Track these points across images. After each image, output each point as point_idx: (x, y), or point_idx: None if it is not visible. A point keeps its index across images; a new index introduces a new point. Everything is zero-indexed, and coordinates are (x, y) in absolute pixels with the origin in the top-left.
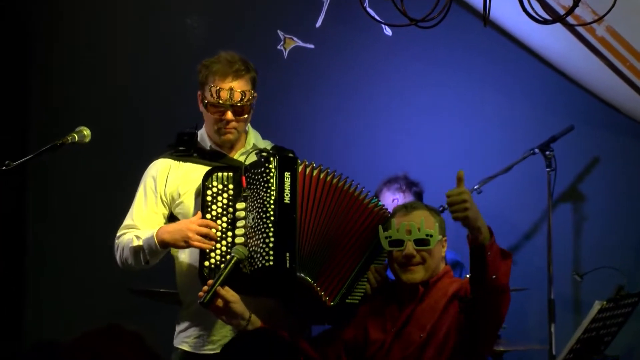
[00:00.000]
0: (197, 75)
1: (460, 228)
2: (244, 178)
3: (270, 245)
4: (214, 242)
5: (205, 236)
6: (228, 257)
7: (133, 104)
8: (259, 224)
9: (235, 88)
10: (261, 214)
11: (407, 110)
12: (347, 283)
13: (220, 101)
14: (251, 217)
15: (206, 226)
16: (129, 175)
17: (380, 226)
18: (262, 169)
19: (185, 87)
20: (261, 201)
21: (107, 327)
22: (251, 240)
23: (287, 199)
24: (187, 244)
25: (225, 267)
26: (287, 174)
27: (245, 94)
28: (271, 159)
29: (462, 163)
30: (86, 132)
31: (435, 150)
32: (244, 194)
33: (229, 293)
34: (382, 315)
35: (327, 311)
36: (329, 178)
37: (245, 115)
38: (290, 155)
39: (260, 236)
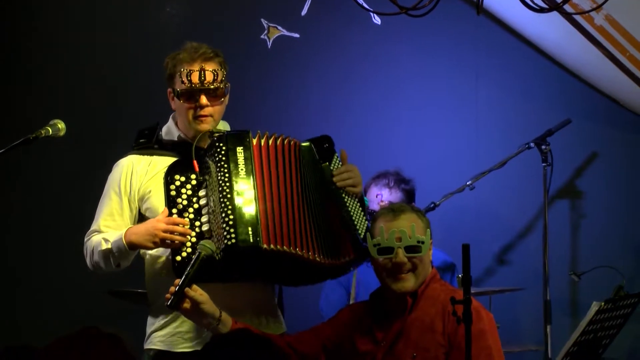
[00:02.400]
0: (165, 70)
1: (450, 227)
2: (195, 162)
3: (230, 223)
4: (183, 239)
5: (173, 234)
6: (188, 237)
7: (110, 95)
8: (219, 206)
9: (205, 68)
10: (219, 195)
11: (397, 102)
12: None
13: (192, 85)
14: (212, 201)
15: (173, 223)
16: (107, 171)
17: (368, 234)
18: (214, 150)
19: (162, 79)
20: (217, 182)
21: (84, 330)
22: (214, 224)
23: (242, 174)
24: (155, 245)
25: (191, 266)
26: (239, 149)
27: (217, 74)
28: (222, 137)
29: (454, 157)
30: (61, 125)
31: (426, 144)
32: (199, 179)
33: (197, 293)
34: (369, 326)
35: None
36: (286, 142)
37: (221, 99)
38: (241, 130)
39: (221, 217)
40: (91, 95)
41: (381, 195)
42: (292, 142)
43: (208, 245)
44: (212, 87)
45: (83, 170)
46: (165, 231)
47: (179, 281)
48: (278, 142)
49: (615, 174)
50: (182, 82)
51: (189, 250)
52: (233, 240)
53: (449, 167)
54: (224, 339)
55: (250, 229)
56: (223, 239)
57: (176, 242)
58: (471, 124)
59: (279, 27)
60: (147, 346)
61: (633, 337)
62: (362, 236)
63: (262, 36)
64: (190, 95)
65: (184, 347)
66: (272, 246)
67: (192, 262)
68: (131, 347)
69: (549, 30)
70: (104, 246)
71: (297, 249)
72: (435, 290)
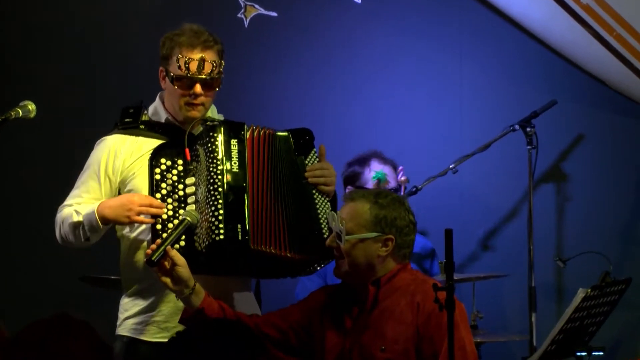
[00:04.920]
0: (160, 48)
1: (433, 212)
2: (187, 150)
3: (220, 217)
4: (158, 215)
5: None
6: (180, 217)
7: (83, 76)
8: (207, 197)
9: (206, 58)
10: (209, 186)
11: (378, 84)
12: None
13: (190, 73)
14: (200, 191)
15: (149, 204)
16: (78, 153)
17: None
18: (207, 139)
19: (139, 58)
20: (208, 173)
21: (56, 317)
22: (202, 215)
23: (235, 168)
24: (129, 220)
25: (175, 228)
26: (233, 142)
27: (215, 65)
28: (216, 127)
29: (437, 140)
30: (31, 106)
31: (408, 126)
32: (190, 167)
33: (177, 255)
34: (339, 313)
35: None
36: (267, 133)
37: (216, 89)
38: (237, 122)
39: (210, 209)
40: (62, 76)
41: (402, 172)
42: (269, 133)
43: (193, 213)
44: (209, 78)
45: (56, 151)
46: (140, 205)
47: (159, 241)
48: (261, 133)
49: (602, 156)
50: (179, 67)
51: (170, 222)
52: (221, 236)
53: (431, 150)
54: (194, 331)
55: (239, 226)
56: (211, 232)
57: (149, 219)
58: (455, 106)
59: (256, 6)
60: (119, 332)
61: (620, 325)
62: (325, 236)
63: (238, 15)
64: (186, 82)
65: (160, 337)
66: (258, 246)
67: (175, 225)
68: (104, 334)
69: (533, 9)
70: (75, 218)
71: (280, 250)
72: (405, 280)
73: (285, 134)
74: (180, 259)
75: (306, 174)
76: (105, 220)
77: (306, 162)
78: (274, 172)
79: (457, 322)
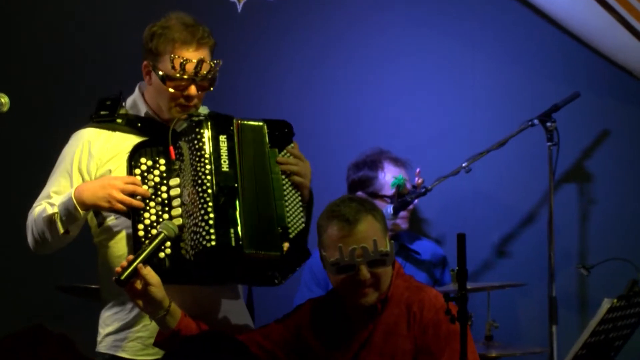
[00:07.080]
0: (146, 41)
1: (444, 215)
2: (171, 148)
3: (210, 222)
4: (142, 204)
5: (132, 198)
6: (154, 231)
7: (60, 66)
8: (195, 200)
9: (205, 59)
10: (197, 187)
11: (384, 77)
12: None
13: (186, 75)
14: (186, 192)
15: (132, 183)
16: (56, 150)
17: (322, 251)
18: (193, 136)
19: (121, 46)
20: (195, 173)
21: (30, 329)
22: (189, 220)
23: (224, 167)
24: (109, 206)
25: (149, 244)
26: (222, 138)
27: (213, 66)
28: (203, 122)
29: (448, 136)
30: (4, 99)
31: (417, 122)
32: (175, 167)
33: (150, 274)
34: (328, 331)
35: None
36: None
37: (210, 89)
38: (225, 115)
39: (199, 213)
40: (37, 67)
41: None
42: (240, 123)
43: (170, 226)
44: (206, 79)
45: (32, 147)
46: (123, 191)
47: (132, 257)
48: (237, 124)
49: (629, 154)
50: (173, 67)
51: (153, 228)
52: (212, 242)
53: (442, 147)
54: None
55: (232, 230)
56: (200, 239)
57: (133, 205)
58: (468, 99)
59: None
60: (99, 349)
61: None
62: (291, 237)
63: None
64: (180, 83)
65: (145, 355)
66: (251, 251)
67: (150, 240)
68: (82, 347)
69: None
70: (50, 211)
71: (267, 252)
72: (399, 288)
73: (260, 123)
74: (153, 277)
75: (279, 159)
76: (84, 204)
77: (280, 155)
78: (254, 167)
79: (455, 332)
